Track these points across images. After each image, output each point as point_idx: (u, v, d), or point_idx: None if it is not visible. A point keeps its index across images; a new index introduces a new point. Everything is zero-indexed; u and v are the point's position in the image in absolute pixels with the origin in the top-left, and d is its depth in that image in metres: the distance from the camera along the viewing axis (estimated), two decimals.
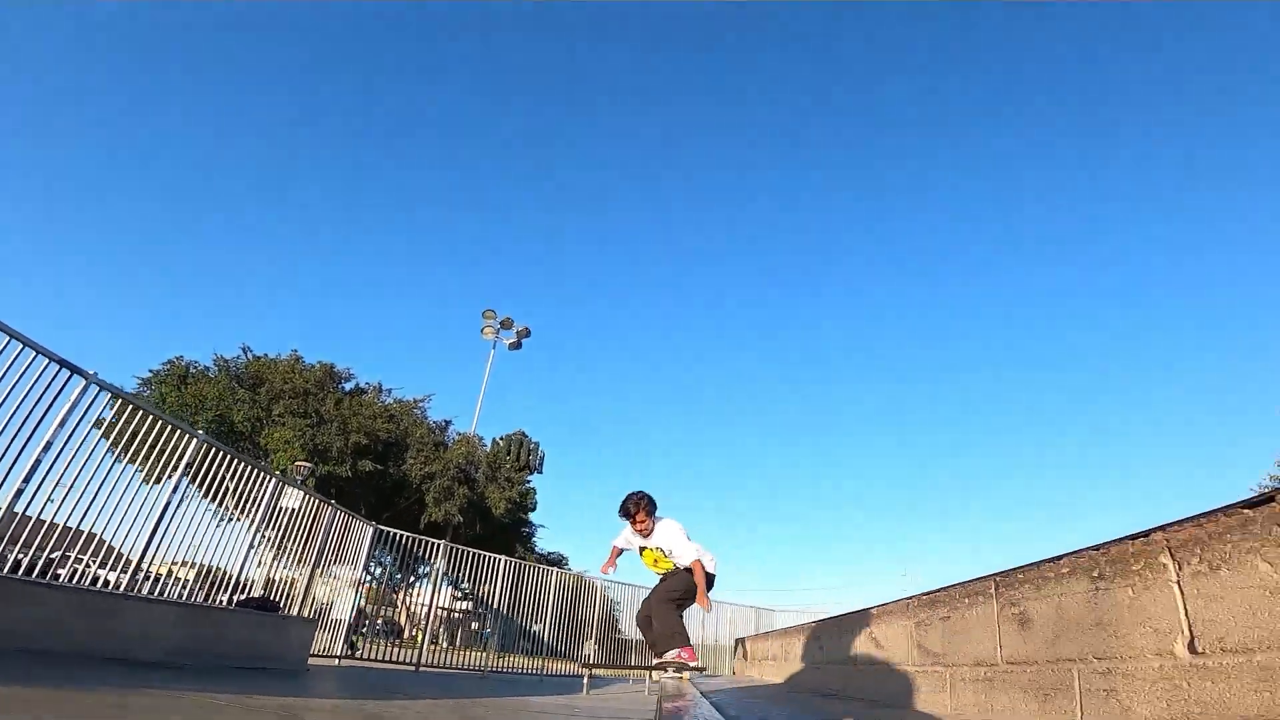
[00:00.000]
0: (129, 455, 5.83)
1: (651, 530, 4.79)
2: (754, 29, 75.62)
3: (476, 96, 74.12)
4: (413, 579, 18.21)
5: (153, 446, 5.96)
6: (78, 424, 5.18)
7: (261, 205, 64.18)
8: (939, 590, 3.22)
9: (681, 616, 4.82)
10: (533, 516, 28.67)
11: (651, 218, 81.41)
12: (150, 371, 21.37)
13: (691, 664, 4.60)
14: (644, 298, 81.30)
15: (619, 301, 79.67)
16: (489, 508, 24.56)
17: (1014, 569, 2.62)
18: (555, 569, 17.79)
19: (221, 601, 7.36)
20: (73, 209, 51.20)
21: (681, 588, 4.77)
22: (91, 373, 5.24)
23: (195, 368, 21.65)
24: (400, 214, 72.74)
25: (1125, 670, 1.86)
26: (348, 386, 24.24)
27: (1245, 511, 1.60)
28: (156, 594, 6.26)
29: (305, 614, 9.07)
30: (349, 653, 11.00)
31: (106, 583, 5.74)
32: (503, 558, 15.09)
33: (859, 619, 4.66)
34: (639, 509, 4.73)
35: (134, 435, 5.76)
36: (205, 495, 6.91)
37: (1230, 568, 1.60)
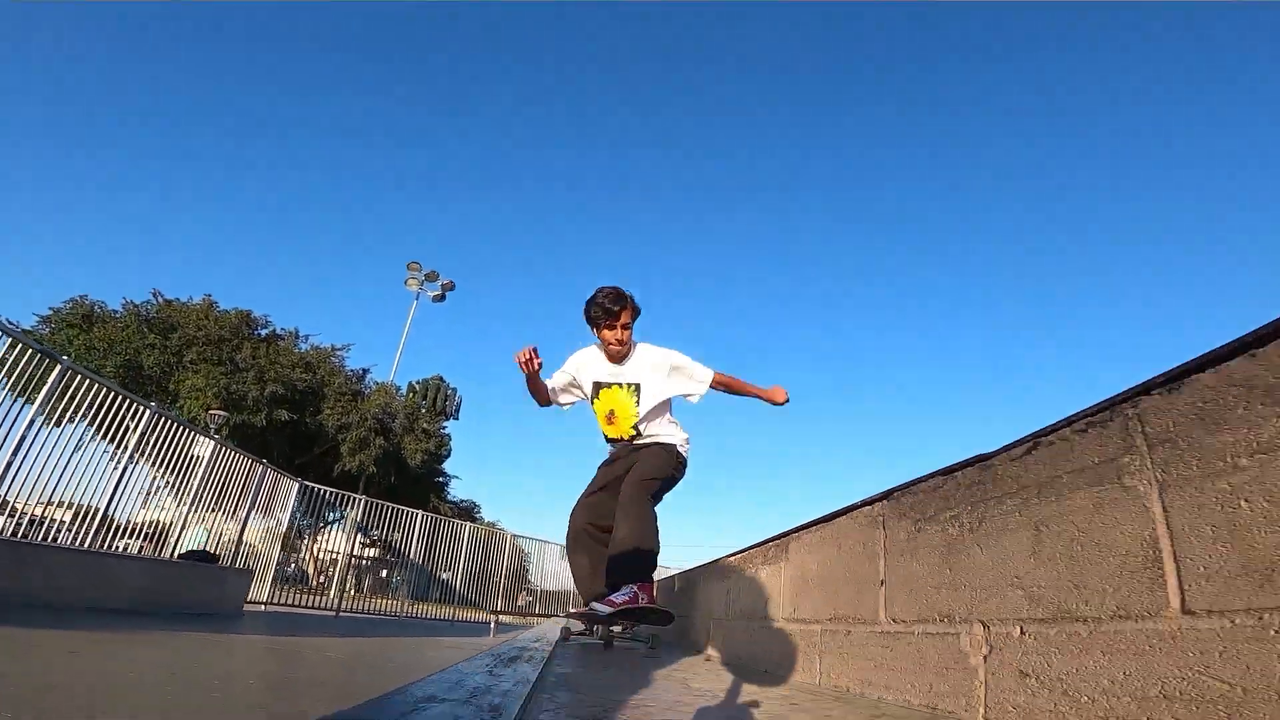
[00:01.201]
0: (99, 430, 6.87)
1: (628, 351, 3.15)
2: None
3: (409, 44, 70.97)
4: (321, 525, 19.20)
5: (107, 416, 7.03)
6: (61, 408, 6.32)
7: (173, 146, 60.53)
8: (695, 567, 5.38)
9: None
10: (447, 466, 30.13)
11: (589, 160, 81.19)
12: (50, 309, 21.04)
13: (653, 607, 2.86)
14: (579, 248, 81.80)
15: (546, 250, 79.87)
16: (405, 459, 25.78)
17: (708, 562, 4.93)
18: (468, 523, 19.27)
19: (163, 554, 8.70)
20: None
21: (658, 469, 3.06)
22: (66, 358, 6.45)
23: (101, 308, 21.49)
24: (321, 157, 70.03)
25: (713, 623, 3.99)
26: (263, 333, 24.51)
27: (763, 547, 3.62)
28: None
29: (238, 565, 10.50)
30: (273, 599, 12.46)
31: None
32: (419, 512, 16.25)
33: (670, 580, 6.80)
34: (624, 306, 3.05)
35: (93, 405, 6.73)
36: (147, 460, 8.02)
37: (752, 573, 3.65)
